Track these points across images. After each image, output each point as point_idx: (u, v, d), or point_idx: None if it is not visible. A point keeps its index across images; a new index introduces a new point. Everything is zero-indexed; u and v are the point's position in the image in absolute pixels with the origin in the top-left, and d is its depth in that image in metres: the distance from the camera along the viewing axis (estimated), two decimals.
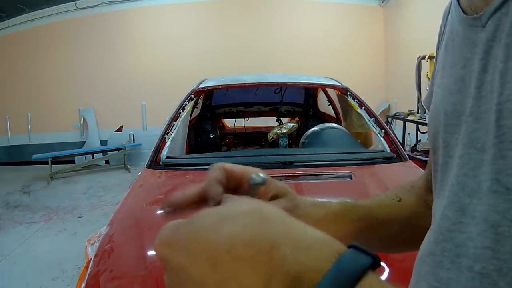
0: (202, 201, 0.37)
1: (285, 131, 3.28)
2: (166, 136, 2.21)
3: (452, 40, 0.41)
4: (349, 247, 0.24)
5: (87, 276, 1.17)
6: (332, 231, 0.50)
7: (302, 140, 2.80)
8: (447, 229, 0.36)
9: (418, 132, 5.25)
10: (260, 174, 0.40)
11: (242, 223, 0.25)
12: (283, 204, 0.44)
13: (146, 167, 2.05)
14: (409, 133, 5.23)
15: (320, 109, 3.95)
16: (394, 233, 0.54)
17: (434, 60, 0.51)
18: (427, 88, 4.99)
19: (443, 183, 0.40)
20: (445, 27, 0.46)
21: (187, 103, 2.47)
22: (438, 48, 0.49)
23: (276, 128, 3.35)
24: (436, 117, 0.42)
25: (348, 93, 2.57)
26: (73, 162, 6.64)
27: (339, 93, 2.84)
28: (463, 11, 0.39)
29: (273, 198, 0.44)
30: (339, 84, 2.70)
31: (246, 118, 4.10)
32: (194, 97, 2.56)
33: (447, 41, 0.43)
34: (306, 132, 2.80)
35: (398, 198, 0.56)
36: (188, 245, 0.25)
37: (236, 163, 0.41)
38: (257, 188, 0.40)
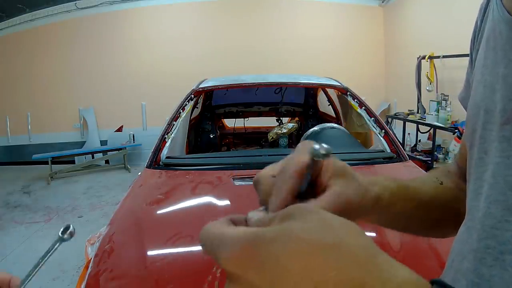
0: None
1: (285, 131, 3.28)
2: (166, 136, 2.21)
3: (494, 38, 0.41)
4: (432, 282, 0.25)
5: (87, 276, 1.17)
6: (389, 211, 0.48)
7: (302, 140, 2.80)
8: (492, 226, 0.36)
9: (418, 132, 5.25)
10: (324, 145, 0.36)
11: (331, 263, 0.24)
12: (352, 189, 0.39)
13: (146, 167, 2.05)
14: (409, 133, 5.23)
15: (320, 109, 3.95)
16: (436, 215, 0.53)
17: (469, 55, 0.51)
18: (427, 88, 5.00)
19: (477, 179, 0.40)
20: (483, 22, 0.46)
21: (187, 103, 2.47)
22: (473, 42, 0.49)
23: (276, 128, 3.35)
24: (476, 114, 0.42)
25: (348, 93, 2.57)
26: (73, 162, 6.63)
27: (339, 93, 2.84)
28: (508, 11, 0.39)
29: (331, 177, 0.40)
30: (339, 84, 2.70)
31: (246, 118, 4.10)
32: (194, 97, 2.56)
33: (488, 38, 0.43)
34: (306, 132, 2.80)
35: (440, 181, 0.56)
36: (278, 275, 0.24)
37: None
38: (317, 161, 0.36)
